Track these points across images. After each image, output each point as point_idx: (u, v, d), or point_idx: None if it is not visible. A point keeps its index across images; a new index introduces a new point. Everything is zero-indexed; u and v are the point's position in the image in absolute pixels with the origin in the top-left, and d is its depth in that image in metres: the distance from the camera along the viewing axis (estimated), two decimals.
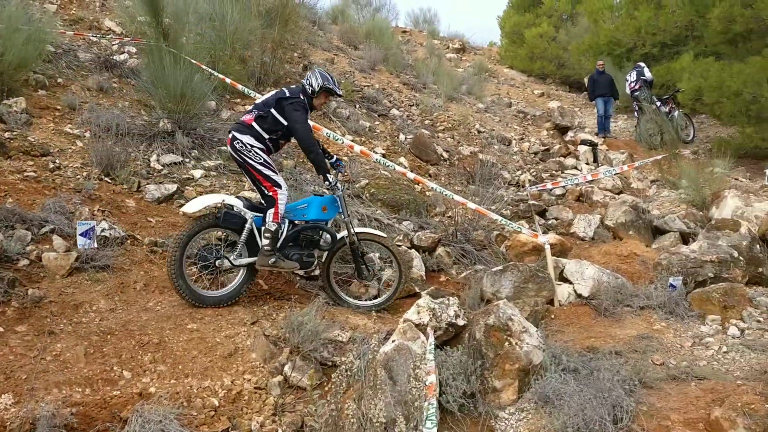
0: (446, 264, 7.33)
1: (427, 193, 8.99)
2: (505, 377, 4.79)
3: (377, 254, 6.81)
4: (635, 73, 14.61)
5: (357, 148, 7.47)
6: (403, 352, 4.59)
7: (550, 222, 9.17)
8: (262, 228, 5.75)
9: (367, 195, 8.48)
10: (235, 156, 5.89)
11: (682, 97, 13.98)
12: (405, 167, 9.56)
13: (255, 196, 6.57)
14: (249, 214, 5.80)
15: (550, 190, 10.62)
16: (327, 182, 5.87)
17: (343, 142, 7.52)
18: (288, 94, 5.93)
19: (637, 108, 14.81)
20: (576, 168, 12.28)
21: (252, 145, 5.79)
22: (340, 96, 6.42)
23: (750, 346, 5.50)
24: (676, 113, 14.14)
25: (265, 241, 5.70)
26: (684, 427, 4.20)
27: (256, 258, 5.76)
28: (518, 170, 11.78)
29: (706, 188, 9.68)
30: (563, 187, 10.60)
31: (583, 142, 13.26)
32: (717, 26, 12.87)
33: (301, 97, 5.93)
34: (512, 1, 25.88)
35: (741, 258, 6.58)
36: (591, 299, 6.32)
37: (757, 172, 11.72)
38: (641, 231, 8.22)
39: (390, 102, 12.90)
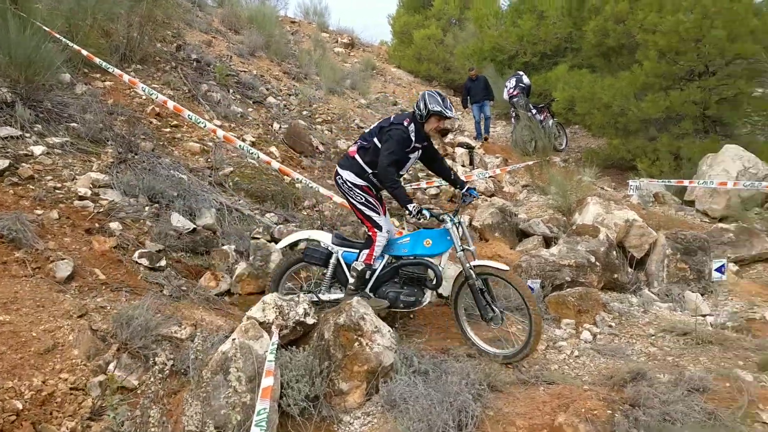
0: None
1: (297, 185, 8.64)
2: (352, 379, 4.54)
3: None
4: (514, 79, 14.88)
5: (220, 133, 7.01)
6: (243, 352, 4.23)
7: (421, 221, 9.04)
8: (352, 266, 5.56)
9: (231, 183, 8.02)
10: (339, 191, 5.77)
11: (557, 106, 14.37)
12: (276, 157, 9.17)
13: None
14: (336, 250, 5.67)
15: (425, 189, 10.54)
16: (408, 212, 5.17)
17: (205, 126, 7.05)
18: (391, 121, 5.44)
19: (514, 115, 15.09)
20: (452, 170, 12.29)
21: (353, 184, 5.48)
22: (450, 118, 5.59)
23: (600, 350, 5.55)
24: (550, 122, 14.51)
25: (351, 279, 5.55)
26: None
27: (341, 295, 5.61)
28: None
29: (573, 195, 9.89)
30: (437, 186, 10.55)
31: (461, 145, 13.34)
32: (592, 39, 13.33)
33: (405, 124, 5.36)
34: (403, 0, 25.92)
35: (598, 263, 6.67)
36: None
37: (621, 182, 12.18)
38: (507, 233, 8.25)
39: (267, 90, 12.44)
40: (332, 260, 5.64)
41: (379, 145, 5.32)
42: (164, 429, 4.01)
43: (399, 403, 4.25)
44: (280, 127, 10.81)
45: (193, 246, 6.50)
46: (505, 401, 4.48)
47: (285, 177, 8.57)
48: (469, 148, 13.09)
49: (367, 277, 5.49)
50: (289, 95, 13.01)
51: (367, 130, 5.64)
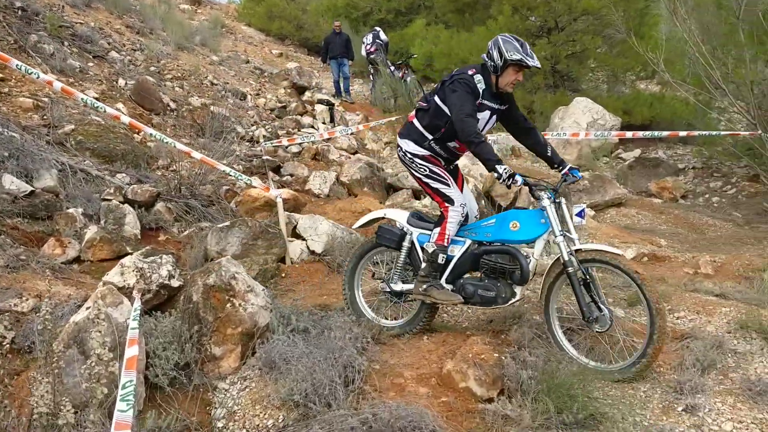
0: (167, 221, 6.46)
1: (149, 144, 7.97)
2: (226, 343, 4.17)
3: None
4: (371, 36, 14.67)
5: (57, 85, 6.23)
6: (100, 321, 3.74)
7: (285, 178, 8.69)
8: (422, 249, 4.63)
9: (73, 143, 7.24)
10: (402, 165, 4.89)
11: (415, 62, 14.36)
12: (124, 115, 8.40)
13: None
14: (410, 230, 4.71)
15: (286, 147, 10.15)
16: (497, 175, 4.20)
17: (38, 77, 6.24)
18: (453, 73, 4.50)
19: (372, 71, 14.92)
20: (313, 127, 11.97)
21: (414, 155, 4.59)
22: (534, 67, 4.46)
23: None
24: (408, 78, 14.49)
25: (422, 265, 4.59)
26: (417, 383, 3.95)
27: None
28: (253, 125, 11.13)
29: None
30: (299, 144, 10.19)
31: (320, 102, 13.01)
32: None
33: (471, 73, 4.38)
34: None
35: None
36: (325, 255, 5.94)
37: None
38: (375, 188, 8.09)
39: (109, 44, 11.41)
40: (405, 242, 4.73)
41: (441, 105, 4.45)
42: (6, 415, 3.48)
43: (279, 364, 3.94)
44: (126, 84, 9.94)
45: (31, 211, 5.78)
46: (390, 353, 4.31)
47: (135, 135, 7.88)
48: (329, 105, 12.78)
49: (440, 261, 4.50)
50: (134, 50, 12.03)
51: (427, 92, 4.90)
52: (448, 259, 4.55)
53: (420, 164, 4.58)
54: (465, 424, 3.58)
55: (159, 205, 6.53)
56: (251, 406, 3.81)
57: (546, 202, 4.35)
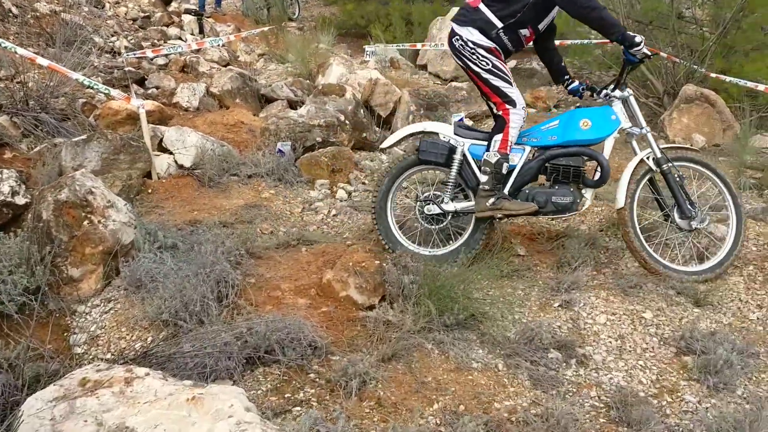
0: (13, 137, 5.78)
1: None
2: (85, 263, 3.80)
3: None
4: None
5: None
6: None
7: (150, 91, 8.04)
8: (483, 160, 4.12)
9: None
10: (456, 59, 4.18)
11: None
12: None
13: None
14: (461, 142, 4.22)
15: (151, 58, 9.38)
16: (627, 43, 3.82)
17: None
18: None
19: None
20: (180, 38, 11.16)
21: (476, 44, 4.00)
22: None
23: (357, 207, 5.38)
24: None
25: (483, 177, 4.12)
26: (295, 295, 3.78)
27: (473, 203, 4.20)
28: (113, 36, 10.21)
29: (312, 62, 9.52)
30: (165, 55, 9.45)
31: (188, 12, 12.13)
32: None
33: None
34: None
35: (347, 122, 6.42)
36: (194, 169, 5.56)
37: (357, 50, 12.02)
38: (248, 99, 7.66)
39: None
40: (456, 156, 4.26)
41: None
42: None
43: (146, 283, 3.65)
44: None
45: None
46: (266, 266, 4.10)
47: None
48: (198, 15, 11.95)
49: (504, 171, 4.14)
50: None
51: None
52: (510, 169, 4.20)
53: (483, 56, 4.04)
54: (346, 333, 3.47)
55: (2, 119, 5.84)
56: (116, 328, 3.52)
57: (625, 94, 4.18)
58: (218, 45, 10.37)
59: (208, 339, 3.10)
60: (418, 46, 11.02)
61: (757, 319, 3.73)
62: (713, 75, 7.76)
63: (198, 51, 10.03)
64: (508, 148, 4.11)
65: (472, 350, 3.40)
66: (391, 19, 12.17)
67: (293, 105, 7.55)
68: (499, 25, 4.01)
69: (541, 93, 10.02)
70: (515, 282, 4.07)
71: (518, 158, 4.21)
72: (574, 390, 3.14)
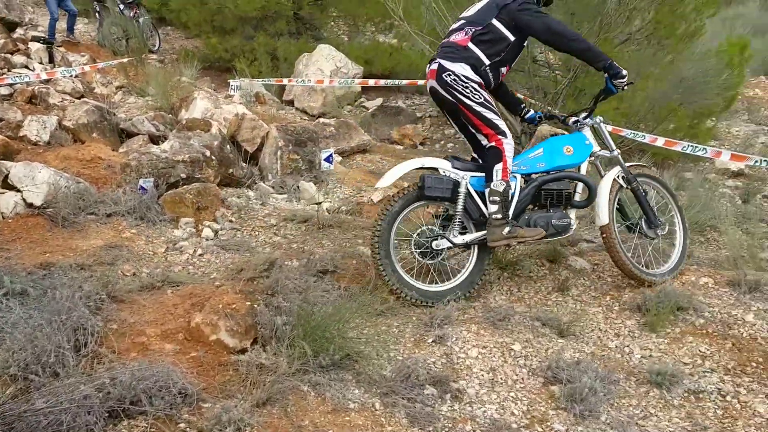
0: None
1: None
2: None
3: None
4: None
5: None
6: None
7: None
8: (486, 191, 4.27)
9: None
10: (442, 94, 4.33)
11: (148, 1, 13.23)
12: None
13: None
14: (461, 175, 4.31)
15: None
16: (612, 72, 4.13)
17: None
18: None
19: (98, 9, 13.43)
20: (27, 67, 10.47)
21: (468, 79, 4.22)
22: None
23: (225, 246, 5.22)
24: (141, 19, 13.31)
25: (493, 207, 4.24)
26: (162, 340, 3.58)
27: (484, 232, 4.30)
28: None
29: (174, 96, 9.23)
30: (10, 85, 8.83)
31: (36, 40, 11.42)
32: None
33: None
34: None
35: (213, 158, 6.25)
36: (46, 208, 5.17)
37: (221, 84, 11.81)
38: (107, 134, 7.27)
39: None
40: (461, 190, 4.29)
41: (501, 29, 4.24)
42: None
43: None
44: None
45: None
46: (130, 311, 3.86)
47: None
48: (48, 43, 11.27)
49: (509, 199, 4.30)
50: None
51: (470, 13, 4.41)
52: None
53: (476, 90, 4.25)
54: (218, 378, 3.32)
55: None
56: None
57: (591, 122, 4.62)
58: (71, 75, 9.84)
59: (64, 393, 2.84)
60: (285, 81, 11.01)
61: (616, 347, 3.95)
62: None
63: (48, 81, 9.45)
64: (509, 176, 4.30)
65: (348, 390, 3.35)
66: (256, 53, 12.07)
67: (155, 140, 7.26)
68: (487, 62, 4.28)
69: (407, 130, 10.30)
70: (390, 319, 4.08)
71: (513, 186, 4.39)
72: (450, 425, 3.17)
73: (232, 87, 10.93)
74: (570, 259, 4.82)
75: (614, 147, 4.67)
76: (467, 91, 4.26)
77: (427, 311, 4.17)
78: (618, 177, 4.58)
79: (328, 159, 7.01)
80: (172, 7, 12.53)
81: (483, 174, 4.37)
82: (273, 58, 12.09)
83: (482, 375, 3.59)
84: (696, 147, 6.85)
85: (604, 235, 4.46)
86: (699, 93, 7.87)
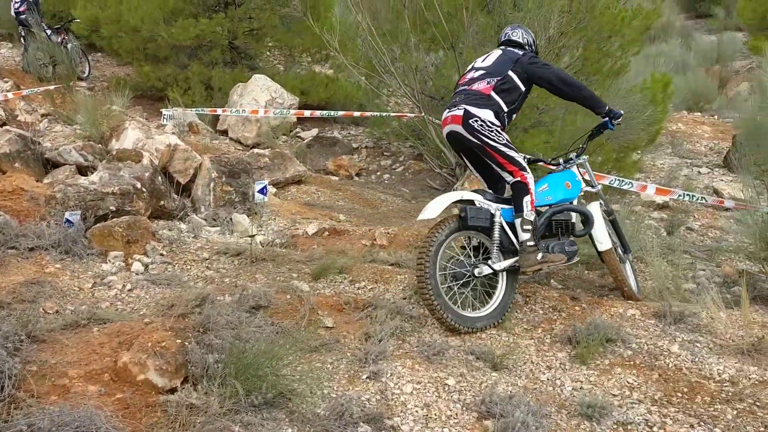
0: None
1: None
2: None
3: None
4: None
5: None
6: None
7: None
8: (517, 221, 4.68)
9: None
10: (467, 137, 4.75)
11: (78, 27, 12.93)
12: None
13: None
14: (495, 207, 4.68)
15: None
16: (613, 115, 4.82)
17: None
18: (523, 53, 4.99)
19: (24, 34, 13.04)
20: None
21: (492, 123, 4.70)
22: None
23: (155, 280, 5.08)
24: (70, 45, 12.99)
25: (526, 236, 4.64)
26: (86, 381, 3.44)
27: (515, 259, 4.69)
28: None
29: (104, 125, 9.00)
30: None
31: None
32: None
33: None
34: None
35: (144, 190, 6.10)
36: None
37: (153, 113, 11.60)
38: (30, 164, 7.00)
39: None
40: (497, 220, 4.66)
41: (516, 81, 4.84)
42: None
43: None
44: None
45: None
46: (51, 351, 3.69)
47: None
48: None
49: (537, 228, 4.75)
50: None
51: (486, 64, 4.97)
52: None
53: (500, 133, 4.71)
54: (145, 420, 3.21)
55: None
56: None
57: (581, 160, 5.17)
58: None
59: None
60: (219, 111, 10.90)
61: (548, 379, 4.00)
62: None
63: None
64: (534, 207, 4.73)
65: (281, 430, 3.29)
66: (190, 82, 11.91)
67: (83, 171, 7.04)
68: (506, 109, 4.80)
69: (343, 161, 10.32)
70: (324, 355, 4.03)
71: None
72: None
73: (165, 116, 10.74)
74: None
75: (596, 183, 5.26)
76: (493, 134, 4.68)
77: (361, 347, 4.14)
78: (600, 209, 5.06)
79: (262, 191, 6.94)
80: (103, 34, 12.23)
81: (510, 206, 4.79)
82: (207, 88, 11.95)
83: (416, 411, 3.58)
84: (623, 181, 7.13)
85: (608, 259, 4.98)
86: (625, 128, 8.14)
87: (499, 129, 4.71)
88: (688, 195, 7.06)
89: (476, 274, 4.65)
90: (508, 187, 4.88)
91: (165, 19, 11.61)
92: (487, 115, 4.70)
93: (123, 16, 11.65)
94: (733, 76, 17.36)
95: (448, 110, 4.89)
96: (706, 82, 15.69)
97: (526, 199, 4.68)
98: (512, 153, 4.74)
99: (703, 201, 7.44)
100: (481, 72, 4.93)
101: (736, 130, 10.88)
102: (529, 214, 4.66)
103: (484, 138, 4.68)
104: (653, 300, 4.98)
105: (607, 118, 4.83)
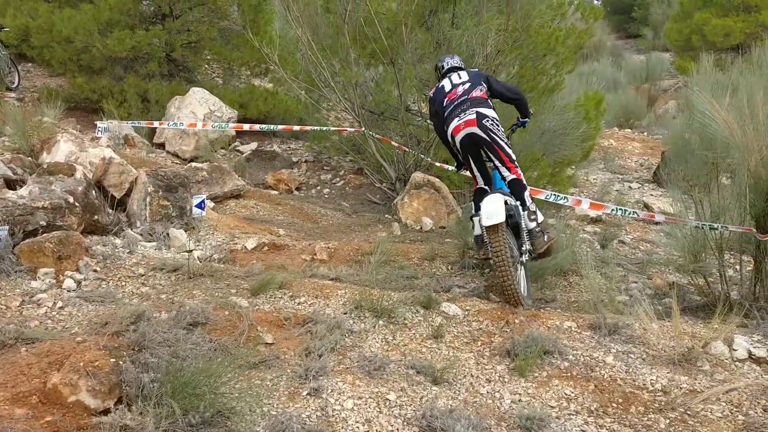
0: None
1: None
2: None
3: None
4: None
5: None
6: None
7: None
8: (524, 214, 5.28)
9: None
10: (481, 136, 5.36)
11: (7, 36, 12.51)
12: None
13: None
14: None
15: None
16: (529, 116, 5.98)
17: None
18: (476, 70, 6.07)
19: None
20: None
21: (499, 121, 5.42)
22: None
23: (88, 298, 4.94)
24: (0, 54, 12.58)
25: (533, 224, 5.31)
26: (12, 404, 3.30)
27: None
28: None
29: (35, 137, 8.72)
30: None
31: None
32: None
33: None
34: None
35: (77, 204, 5.92)
36: None
37: (87, 125, 11.31)
38: None
39: None
40: (523, 215, 5.37)
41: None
42: None
43: None
44: None
45: None
46: None
47: None
48: None
49: None
50: None
51: (464, 81, 5.65)
52: None
53: (502, 131, 5.43)
54: None
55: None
56: None
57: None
58: None
59: None
60: (156, 124, 10.71)
61: (487, 392, 4.05)
62: (437, 164, 8.56)
63: None
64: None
65: None
66: (125, 95, 11.67)
67: (12, 185, 6.78)
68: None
69: (283, 175, 10.27)
70: (263, 372, 3.98)
71: None
72: None
73: (99, 129, 10.50)
74: (443, 305, 4.93)
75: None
76: (500, 132, 5.37)
77: (302, 363, 4.10)
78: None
79: (199, 205, 6.86)
80: (34, 44, 11.85)
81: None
82: (144, 100, 11.74)
83: (358, 427, 3.57)
84: (558, 196, 7.30)
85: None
86: (559, 144, 8.37)
87: (501, 127, 5.40)
88: (620, 209, 7.28)
89: (524, 261, 5.34)
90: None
91: (100, 30, 11.36)
92: (494, 114, 5.40)
93: (55, 26, 11.33)
94: (661, 94, 18.10)
95: (456, 119, 5.42)
96: (636, 99, 16.32)
97: (527, 192, 5.38)
98: (510, 150, 5.42)
99: (635, 215, 7.69)
100: (467, 84, 5.59)
101: (665, 146, 11.31)
102: (532, 205, 5.34)
103: (494, 136, 5.32)
104: (588, 312, 5.10)
105: (526, 119, 5.91)
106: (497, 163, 5.42)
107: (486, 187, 5.58)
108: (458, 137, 5.46)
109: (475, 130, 5.33)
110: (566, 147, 8.54)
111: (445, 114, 5.58)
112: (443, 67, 5.96)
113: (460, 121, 5.39)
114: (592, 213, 8.27)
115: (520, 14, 8.09)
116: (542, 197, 7.21)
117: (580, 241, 6.86)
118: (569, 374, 4.24)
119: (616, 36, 27.63)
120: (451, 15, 8.95)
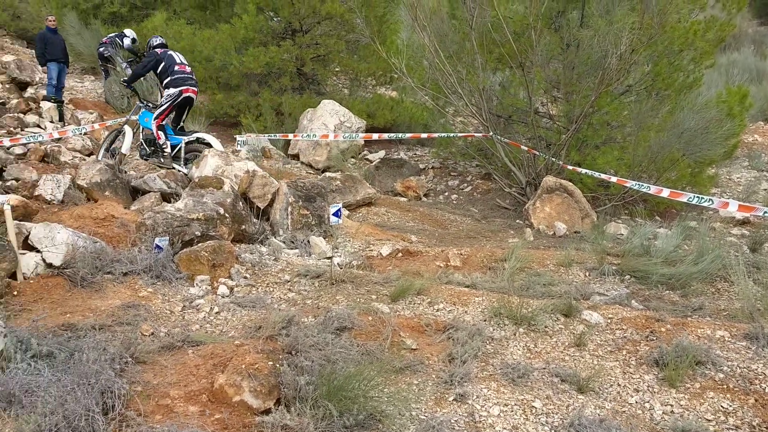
0: None
1: None
2: None
3: None
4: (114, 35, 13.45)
5: None
6: None
7: (9, 183, 7.59)
8: None
9: None
10: None
11: None
12: None
13: None
14: None
15: (8, 147, 8.89)
16: None
17: None
18: None
19: (104, 69, 13.69)
20: (39, 126, 10.67)
21: None
22: None
23: (240, 303, 5.28)
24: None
25: None
26: (186, 402, 3.62)
27: None
28: None
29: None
30: (24, 144, 9.00)
31: (47, 99, 11.65)
32: None
33: None
34: None
35: (227, 215, 6.36)
36: (65, 268, 5.24)
37: (227, 139, 12.01)
38: (119, 192, 7.39)
39: None
40: None
41: None
42: None
43: (20, 397, 3.35)
44: None
45: None
46: (153, 373, 3.90)
47: None
48: (58, 102, 11.50)
49: None
50: None
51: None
52: None
53: None
54: None
55: None
56: None
57: None
58: (81, 134, 10.02)
59: None
60: (290, 136, 11.20)
61: (636, 402, 3.98)
62: (569, 167, 8.43)
63: (59, 140, 9.64)
64: None
65: None
66: (261, 109, 12.30)
67: (166, 197, 7.38)
68: None
69: (411, 182, 10.44)
70: (409, 377, 4.11)
71: None
72: None
73: (239, 142, 11.11)
74: (584, 313, 4.88)
75: None
76: None
77: (446, 369, 4.20)
78: None
79: (336, 213, 7.11)
80: None
81: None
82: (278, 113, 12.31)
83: None
84: (702, 198, 6.95)
85: None
86: (700, 143, 8.02)
87: None
88: None
89: None
90: None
91: (236, 48, 12.03)
92: None
93: (197, 47, 12.12)
94: None
95: None
96: None
97: None
98: None
99: None
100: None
101: None
102: None
103: None
104: (742, 321, 4.85)
105: None
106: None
107: None
108: None
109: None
110: (708, 146, 8.16)
111: None
112: None
113: None
114: (739, 215, 7.83)
115: (655, 10, 7.81)
116: (684, 200, 6.92)
117: (726, 245, 6.52)
118: (725, 386, 4.07)
119: (758, 22, 25.74)
120: (580, 15, 8.79)
